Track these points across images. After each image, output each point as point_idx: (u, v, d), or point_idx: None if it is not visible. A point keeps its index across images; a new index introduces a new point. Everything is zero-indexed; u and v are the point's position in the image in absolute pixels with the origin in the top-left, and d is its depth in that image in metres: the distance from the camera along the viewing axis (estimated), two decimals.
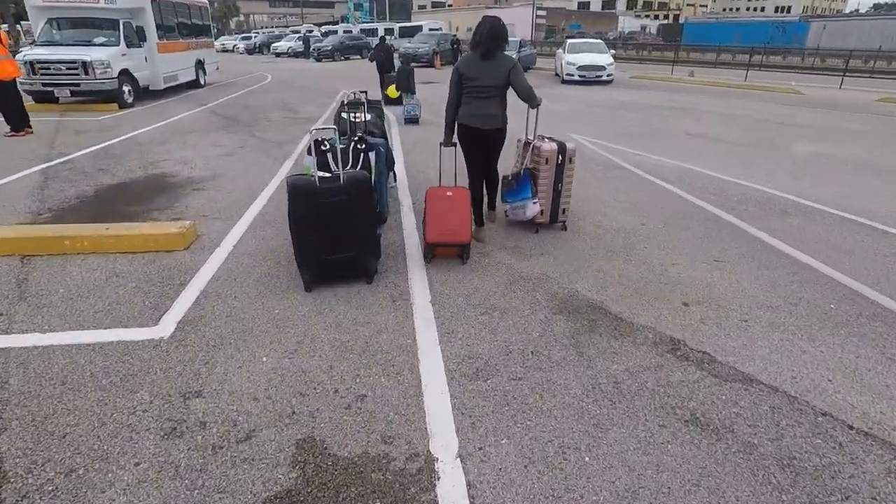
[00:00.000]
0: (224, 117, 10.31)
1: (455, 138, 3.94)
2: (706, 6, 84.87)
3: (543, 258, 3.91)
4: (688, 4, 79.00)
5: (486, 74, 3.69)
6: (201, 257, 3.84)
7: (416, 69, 12.93)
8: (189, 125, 9.44)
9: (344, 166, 3.52)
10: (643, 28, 55.45)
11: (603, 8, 73.85)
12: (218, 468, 2.00)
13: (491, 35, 3.66)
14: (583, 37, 27.79)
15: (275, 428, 2.21)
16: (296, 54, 33.19)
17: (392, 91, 10.35)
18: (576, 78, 16.86)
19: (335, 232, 3.17)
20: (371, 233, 3.30)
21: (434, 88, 14.25)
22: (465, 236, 3.63)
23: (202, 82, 15.49)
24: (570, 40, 19.91)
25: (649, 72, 22.91)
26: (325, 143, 3.58)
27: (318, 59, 29.65)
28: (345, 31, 35.92)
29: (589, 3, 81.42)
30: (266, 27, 62.36)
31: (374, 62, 12.78)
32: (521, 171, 4.24)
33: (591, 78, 16.82)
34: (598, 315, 3.12)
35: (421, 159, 6.92)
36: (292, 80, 18.29)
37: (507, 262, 3.82)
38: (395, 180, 5.73)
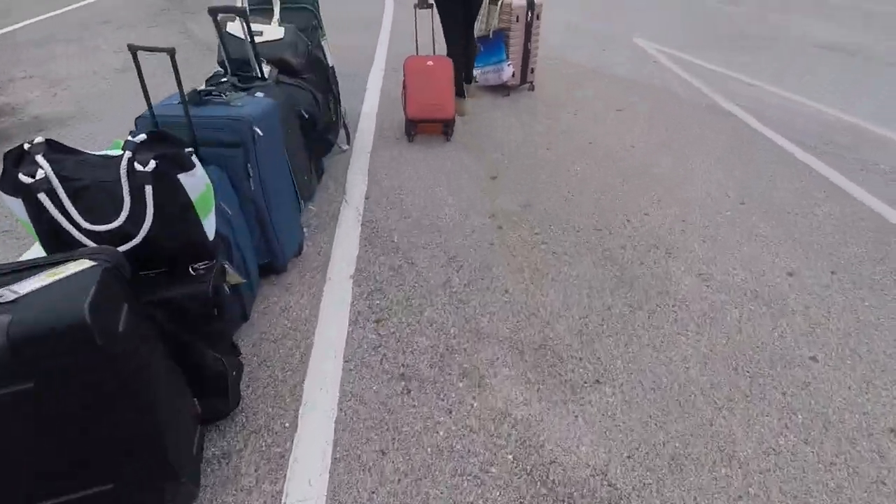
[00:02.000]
0: None
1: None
2: None
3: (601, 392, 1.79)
4: None
5: None
6: None
7: None
8: (110, 10, 6.86)
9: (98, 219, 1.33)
10: None
11: None
12: None
13: None
14: None
15: None
16: None
17: None
18: None
19: (26, 461, 1.10)
20: (155, 437, 1.21)
21: None
22: (449, 112, 3.40)
23: None
24: None
25: None
26: (41, 157, 1.32)
27: None
28: None
29: None
30: None
31: None
32: (490, 33, 4.02)
33: None
34: None
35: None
36: None
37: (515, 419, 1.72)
38: (349, 141, 3.44)
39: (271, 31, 2.59)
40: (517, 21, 3.92)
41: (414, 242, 2.55)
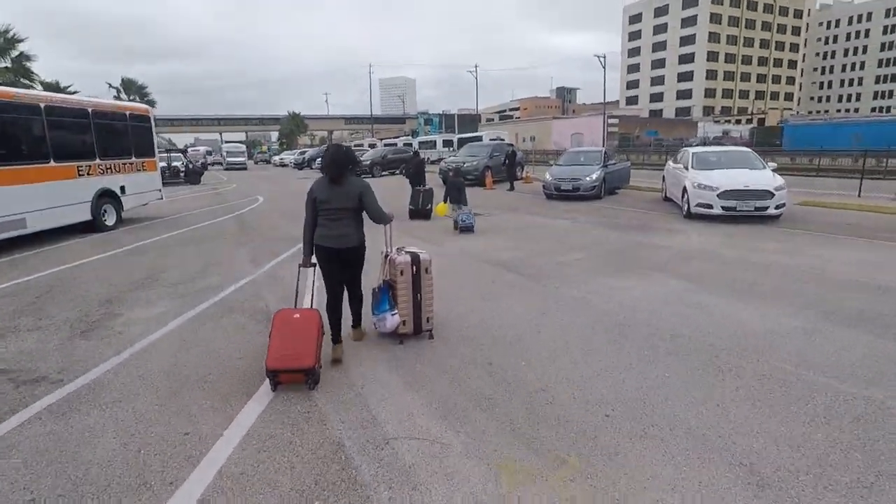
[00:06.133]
0: None
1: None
2: (790, 109, 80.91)
3: None
4: (771, 108, 75.11)
5: (337, 198, 3.78)
6: None
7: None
8: None
9: None
10: (725, 133, 50.64)
11: (677, 115, 71.93)
12: None
13: (333, 163, 3.77)
14: (661, 144, 20.62)
15: None
16: None
17: (440, 209, 9.95)
18: (717, 211, 9.41)
19: None
20: None
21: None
22: (309, 361, 3.31)
23: (108, 222, 10.31)
24: (692, 149, 12.25)
25: (812, 191, 14.02)
26: None
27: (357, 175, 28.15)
28: (387, 145, 34.29)
29: (661, 110, 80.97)
30: (344, 142, 64.08)
31: (407, 177, 13.48)
32: (381, 284, 4.17)
33: (746, 212, 9.32)
34: None
35: None
36: (281, 208, 13.67)
37: None
38: None
39: None
40: (401, 274, 4.05)
41: None
